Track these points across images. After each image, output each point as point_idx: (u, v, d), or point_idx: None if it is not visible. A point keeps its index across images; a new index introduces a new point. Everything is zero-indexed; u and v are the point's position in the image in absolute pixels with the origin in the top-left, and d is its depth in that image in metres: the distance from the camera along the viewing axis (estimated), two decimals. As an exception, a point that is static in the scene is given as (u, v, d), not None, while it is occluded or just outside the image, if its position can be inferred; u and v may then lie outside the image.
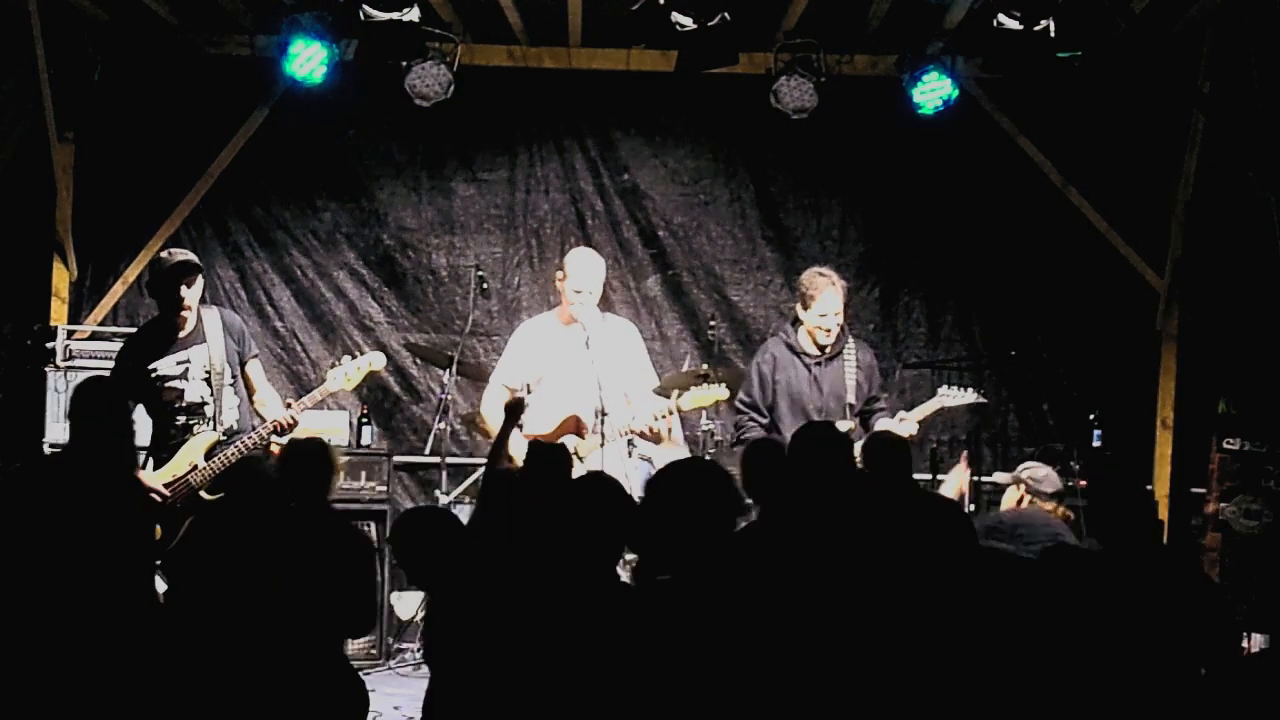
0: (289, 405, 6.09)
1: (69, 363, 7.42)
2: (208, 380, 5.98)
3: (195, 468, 5.83)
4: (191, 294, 5.94)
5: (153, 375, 5.93)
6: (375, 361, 6.29)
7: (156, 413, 5.96)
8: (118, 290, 8.18)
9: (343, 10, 7.06)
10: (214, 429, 5.94)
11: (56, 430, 7.30)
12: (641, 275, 8.39)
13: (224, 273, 8.28)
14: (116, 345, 7.46)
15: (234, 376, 6.06)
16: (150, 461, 5.89)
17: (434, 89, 7.54)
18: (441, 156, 8.34)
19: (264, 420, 6.01)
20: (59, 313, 8.00)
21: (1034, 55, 6.75)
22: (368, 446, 7.55)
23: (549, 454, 4.82)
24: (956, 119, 7.69)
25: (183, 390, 5.94)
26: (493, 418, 6.50)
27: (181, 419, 5.94)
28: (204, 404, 5.96)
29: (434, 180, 8.36)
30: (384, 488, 7.35)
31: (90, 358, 7.45)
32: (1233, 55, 7.08)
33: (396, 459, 7.70)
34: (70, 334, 7.61)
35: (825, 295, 6.53)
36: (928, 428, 7.12)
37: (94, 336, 7.75)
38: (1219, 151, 7.50)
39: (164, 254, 6.10)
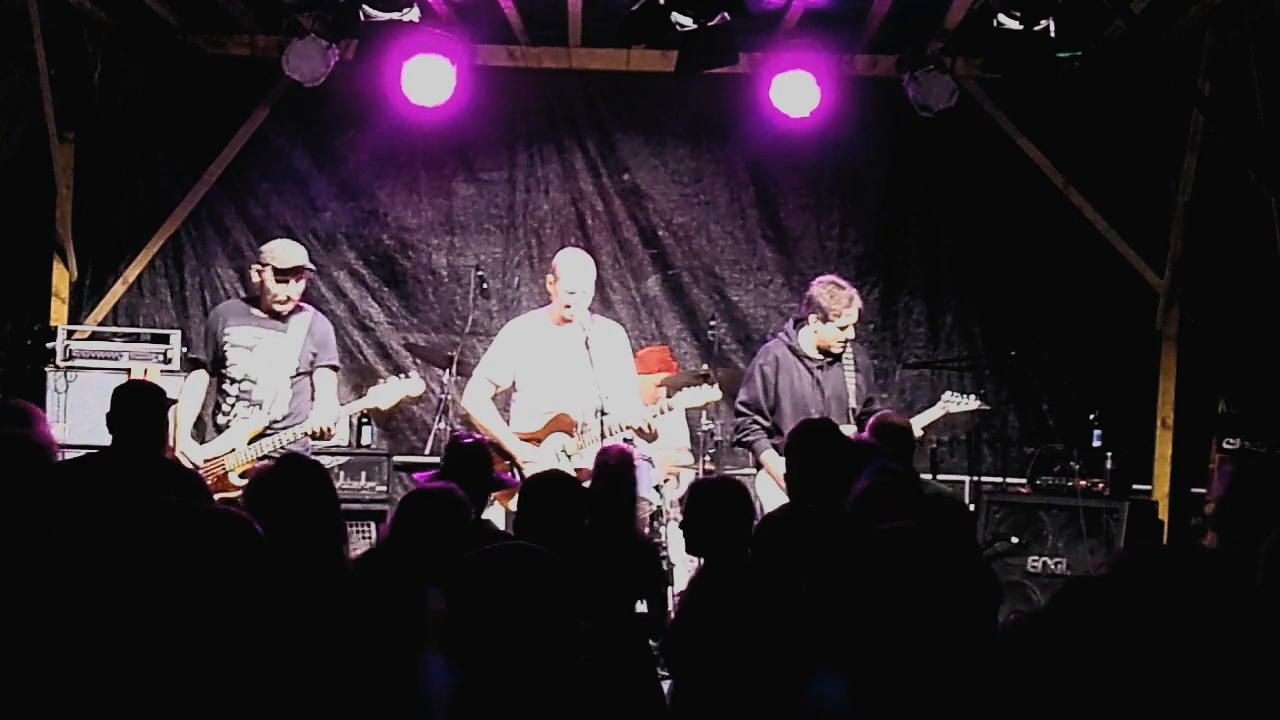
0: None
1: (69, 363, 7.43)
2: (269, 366, 6.15)
3: (233, 450, 5.99)
4: (291, 290, 6.17)
5: (226, 338, 6.16)
6: (413, 389, 6.41)
7: (217, 376, 6.21)
8: (118, 290, 8.18)
9: (343, 10, 7.06)
10: (263, 414, 6.10)
11: (56, 430, 7.29)
12: (641, 275, 8.39)
13: (224, 272, 8.30)
14: (116, 345, 7.52)
15: (299, 374, 6.21)
16: (209, 430, 6.18)
17: (434, 89, 7.53)
18: (441, 156, 8.34)
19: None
20: (59, 313, 8.00)
21: (1034, 55, 6.74)
22: (368, 446, 7.55)
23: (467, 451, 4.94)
24: (956, 119, 7.69)
25: (240, 362, 6.14)
26: (481, 415, 6.49)
27: (233, 392, 6.14)
28: (254, 384, 6.12)
29: (434, 180, 8.36)
30: (384, 488, 7.36)
31: (90, 358, 7.46)
32: (1233, 55, 7.08)
33: (396, 459, 7.69)
34: (70, 334, 7.61)
35: (849, 312, 6.54)
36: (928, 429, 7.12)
37: (94, 336, 7.74)
38: (1219, 151, 7.49)
39: (279, 248, 6.27)
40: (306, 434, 6.08)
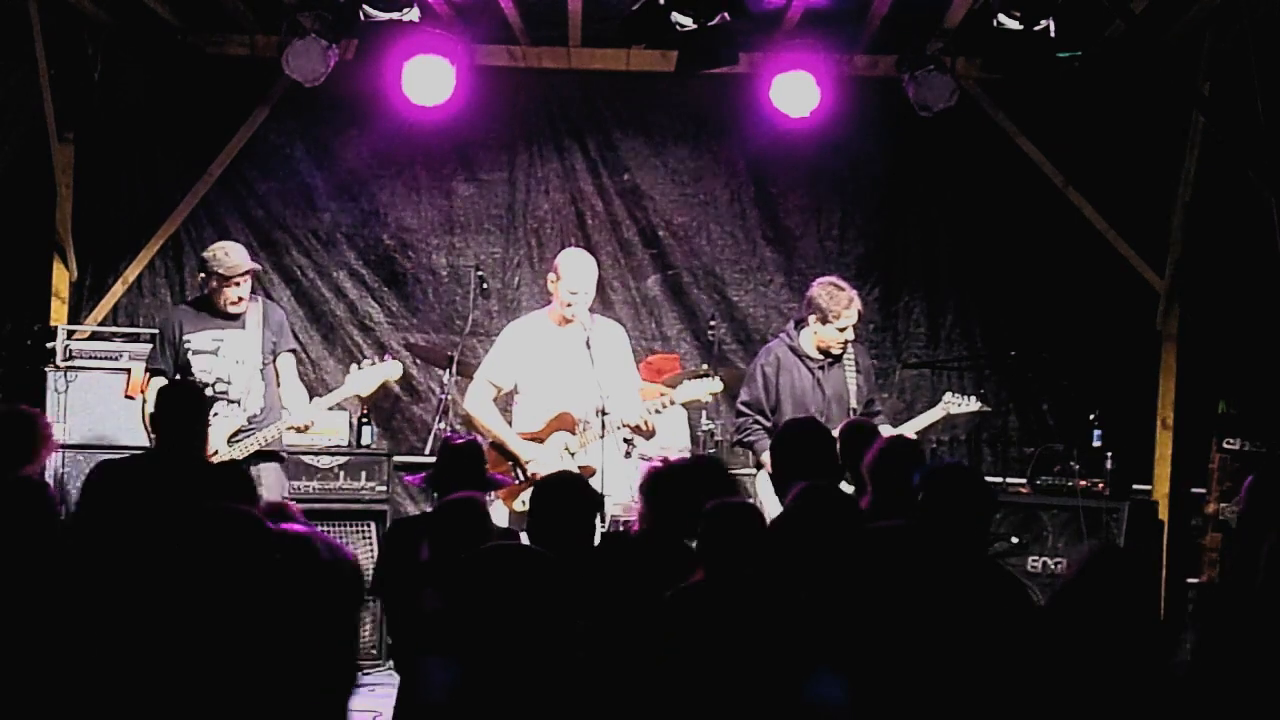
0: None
1: (69, 363, 7.41)
2: (238, 364, 6.25)
3: (216, 452, 6.02)
4: (242, 291, 6.28)
5: (186, 345, 6.24)
6: (391, 372, 6.47)
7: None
8: (118, 290, 8.18)
9: (343, 10, 7.06)
10: (240, 410, 6.19)
11: (56, 430, 7.29)
12: (641, 275, 8.39)
13: (224, 273, 8.29)
14: (116, 345, 7.52)
15: (264, 365, 6.32)
16: None
17: (434, 89, 7.53)
18: (441, 156, 8.34)
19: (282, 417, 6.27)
20: (59, 313, 7.99)
21: (1034, 55, 6.74)
22: (368, 446, 7.55)
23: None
24: (956, 119, 7.69)
25: (209, 366, 6.23)
26: (484, 416, 6.50)
27: (208, 394, 6.17)
28: (229, 384, 6.21)
29: (434, 180, 8.36)
30: (384, 488, 7.36)
31: (90, 358, 7.45)
32: (1233, 55, 7.07)
33: (396, 459, 7.69)
34: (70, 334, 7.60)
35: (849, 313, 6.54)
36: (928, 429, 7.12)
37: (94, 336, 7.74)
38: (1219, 151, 7.49)
39: (220, 253, 6.32)
40: (291, 429, 6.22)
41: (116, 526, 4.36)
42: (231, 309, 6.28)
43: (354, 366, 6.53)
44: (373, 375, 6.39)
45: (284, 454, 6.43)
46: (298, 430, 6.26)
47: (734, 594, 3.82)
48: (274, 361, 6.41)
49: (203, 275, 6.35)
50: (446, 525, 4.21)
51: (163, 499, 4.50)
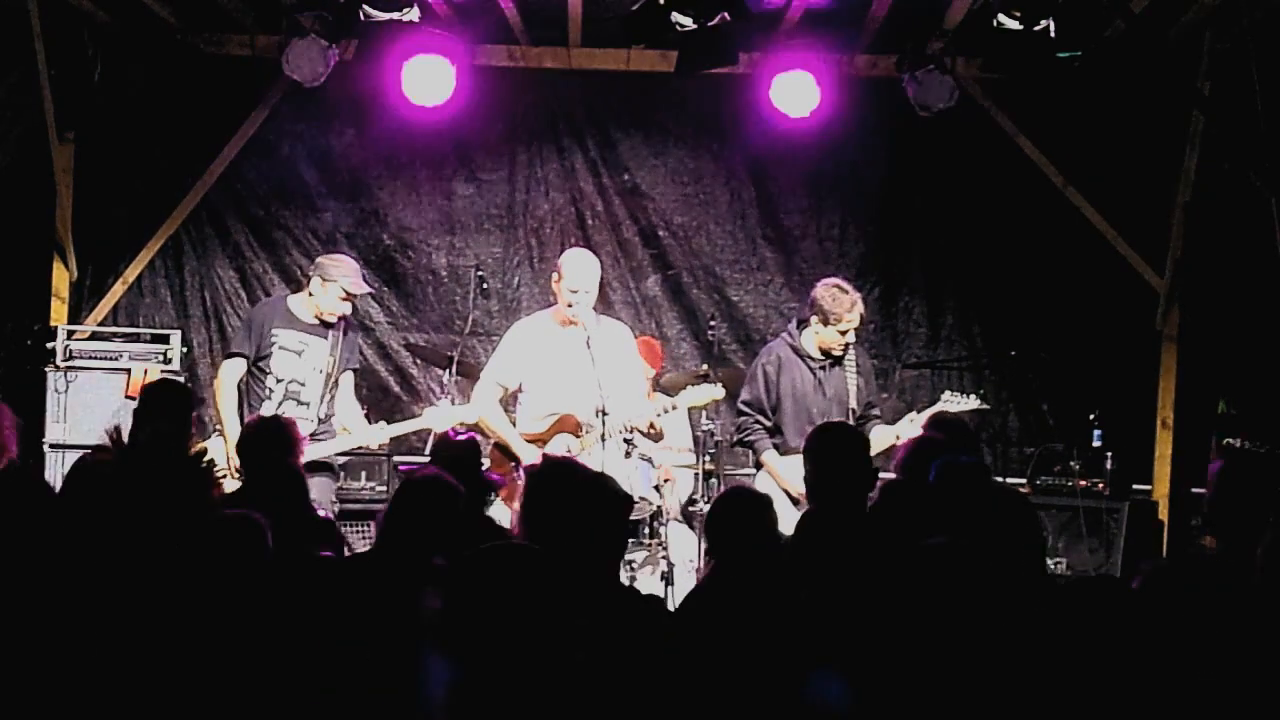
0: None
1: (69, 363, 7.43)
2: (315, 371, 6.42)
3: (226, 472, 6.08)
4: (347, 308, 6.49)
5: (273, 340, 6.38)
6: (470, 415, 6.51)
7: (258, 374, 6.39)
8: (118, 290, 8.19)
9: (343, 10, 7.07)
10: (313, 413, 6.36)
11: (56, 430, 7.31)
12: (641, 275, 8.39)
13: (224, 273, 8.30)
14: (116, 345, 7.53)
15: (336, 377, 6.50)
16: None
17: (434, 89, 7.53)
18: (441, 156, 8.34)
19: (345, 431, 6.47)
20: (59, 313, 8.00)
21: (1034, 55, 6.75)
22: (368, 447, 7.55)
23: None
24: (956, 119, 7.69)
25: (288, 364, 6.39)
26: (489, 416, 6.50)
27: (279, 390, 6.37)
28: (302, 386, 6.38)
29: (434, 180, 8.36)
30: (384, 488, 7.36)
31: (90, 358, 7.46)
32: (1233, 55, 7.08)
33: (396, 459, 7.69)
34: (70, 334, 7.61)
35: (851, 316, 6.53)
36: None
37: (94, 336, 7.75)
38: (1219, 151, 7.49)
39: (346, 267, 6.50)
40: (353, 446, 6.44)
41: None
42: (328, 319, 6.44)
43: (440, 403, 6.73)
44: (449, 415, 6.45)
45: (337, 467, 6.63)
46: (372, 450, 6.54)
47: (740, 589, 3.82)
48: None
49: (319, 279, 6.43)
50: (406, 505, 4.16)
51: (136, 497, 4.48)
